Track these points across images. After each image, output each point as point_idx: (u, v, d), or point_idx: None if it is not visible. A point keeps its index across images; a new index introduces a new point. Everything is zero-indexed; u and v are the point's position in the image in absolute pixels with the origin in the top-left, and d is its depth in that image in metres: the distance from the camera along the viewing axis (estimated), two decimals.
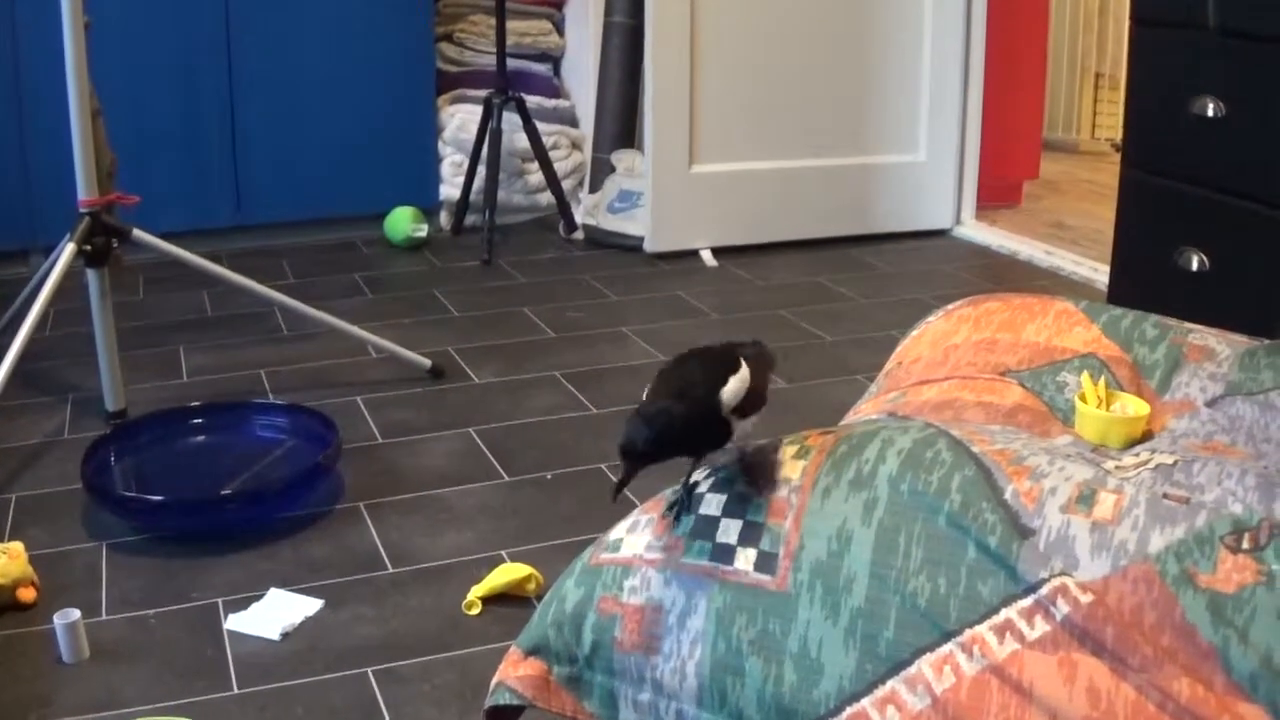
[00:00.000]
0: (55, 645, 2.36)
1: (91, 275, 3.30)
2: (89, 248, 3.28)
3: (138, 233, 3.39)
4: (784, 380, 3.55)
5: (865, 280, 4.52)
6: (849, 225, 5.07)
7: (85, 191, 3.29)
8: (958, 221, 5.22)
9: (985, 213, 5.31)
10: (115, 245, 3.35)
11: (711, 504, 1.70)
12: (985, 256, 4.85)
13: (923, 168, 5.11)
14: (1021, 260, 4.79)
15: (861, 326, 4.02)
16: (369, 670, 2.29)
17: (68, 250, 3.28)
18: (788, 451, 1.74)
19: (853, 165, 5.02)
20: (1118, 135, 6.73)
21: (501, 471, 3.05)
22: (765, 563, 1.61)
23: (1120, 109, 6.62)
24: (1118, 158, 6.09)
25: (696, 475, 1.76)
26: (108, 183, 3.44)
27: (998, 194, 5.48)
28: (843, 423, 2.04)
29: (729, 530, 1.66)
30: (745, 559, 1.63)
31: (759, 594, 1.60)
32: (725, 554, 1.64)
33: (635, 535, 1.74)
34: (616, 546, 1.74)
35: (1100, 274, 4.41)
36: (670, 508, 1.74)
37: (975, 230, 5.16)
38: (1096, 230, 5.10)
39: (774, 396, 3.30)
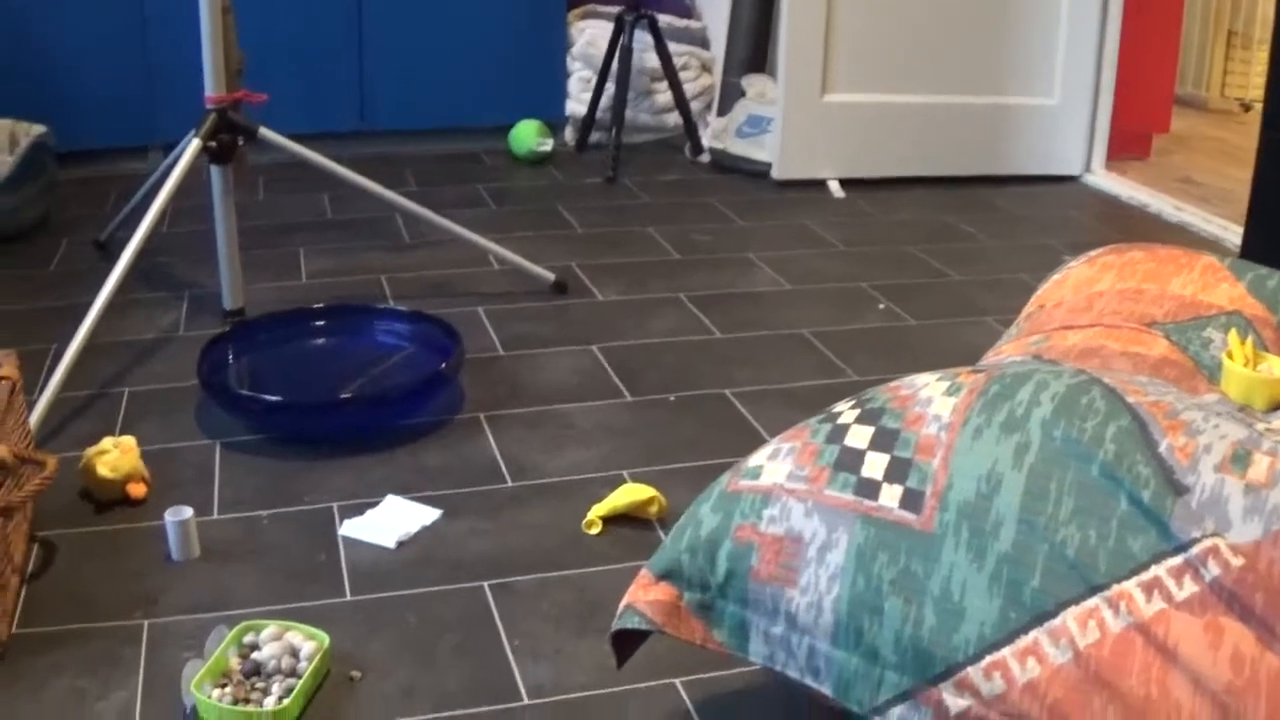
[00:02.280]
0: (164, 542, 2.35)
1: (215, 172, 3.28)
2: (214, 144, 3.26)
3: (264, 131, 3.35)
4: (912, 317, 3.48)
5: (993, 221, 4.44)
6: (978, 165, 4.98)
7: (213, 88, 3.26)
8: (1087, 169, 5.11)
9: (1114, 163, 5.21)
10: (240, 143, 3.32)
11: (858, 436, 1.64)
12: (1114, 207, 4.75)
13: (1056, 111, 5.00)
14: (1151, 213, 4.69)
15: (989, 268, 3.94)
16: (485, 584, 2.25)
17: (192, 146, 3.26)
18: (937, 387, 1.67)
19: (985, 105, 4.93)
20: (1247, 95, 6.63)
21: (624, 391, 3.01)
22: (911, 500, 1.56)
23: (1250, 69, 6.52)
24: (1246, 117, 6.00)
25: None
26: (235, 80, 3.40)
27: (1127, 145, 5.37)
28: (977, 364, 1.98)
29: (875, 464, 1.60)
30: (890, 495, 1.57)
31: (903, 532, 1.54)
32: (870, 489, 1.58)
33: (776, 463, 1.67)
34: (756, 474, 1.68)
35: (1229, 233, 4.31)
36: None
37: (1105, 179, 5.06)
38: (1225, 189, 4.99)
39: (901, 334, 3.26)
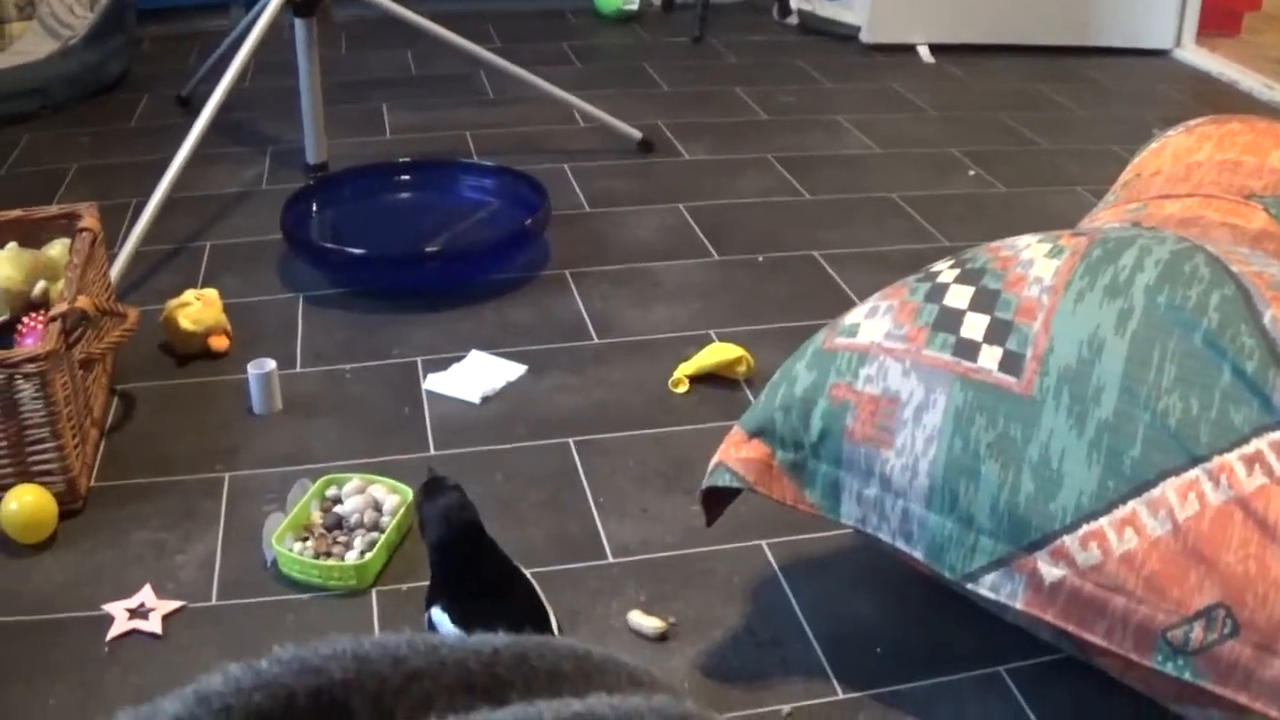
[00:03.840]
0: (246, 396, 2.35)
1: (299, 25, 3.24)
2: None
3: None
4: (1002, 184, 3.42)
5: (1083, 92, 4.36)
6: (1069, 35, 4.88)
7: None
8: (1178, 44, 5.01)
9: (1203, 39, 5.10)
10: None
11: (958, 296, 1.60)
12: (1205, 82, 4.65)
13: None
14: (1241, 90, 4.59)
15: (1079, 138, 3.87)
16: (570, 440, 2.24)
17: None
18: (1039, 249, 1.63)
19: None
20: None
21: (711, 250, 2.97)
22: (1011, 363, 1.52)
23: None
24: None
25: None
26: None
27: (1217, 21, 5.24)
28: (1088, 226, 1.93)
29: (975, 325, 1.56)
30: (990, 357, 1.53)
31: (1002, 395, 1.50)
32: (969, 350, 1.54)
33: (873, 321, 1.64)
34: (853, 331, 1.64)
35: None
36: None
37: (1195, 54, 4.95)
38: None
39: (991, 201, 3.21)
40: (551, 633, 1.58)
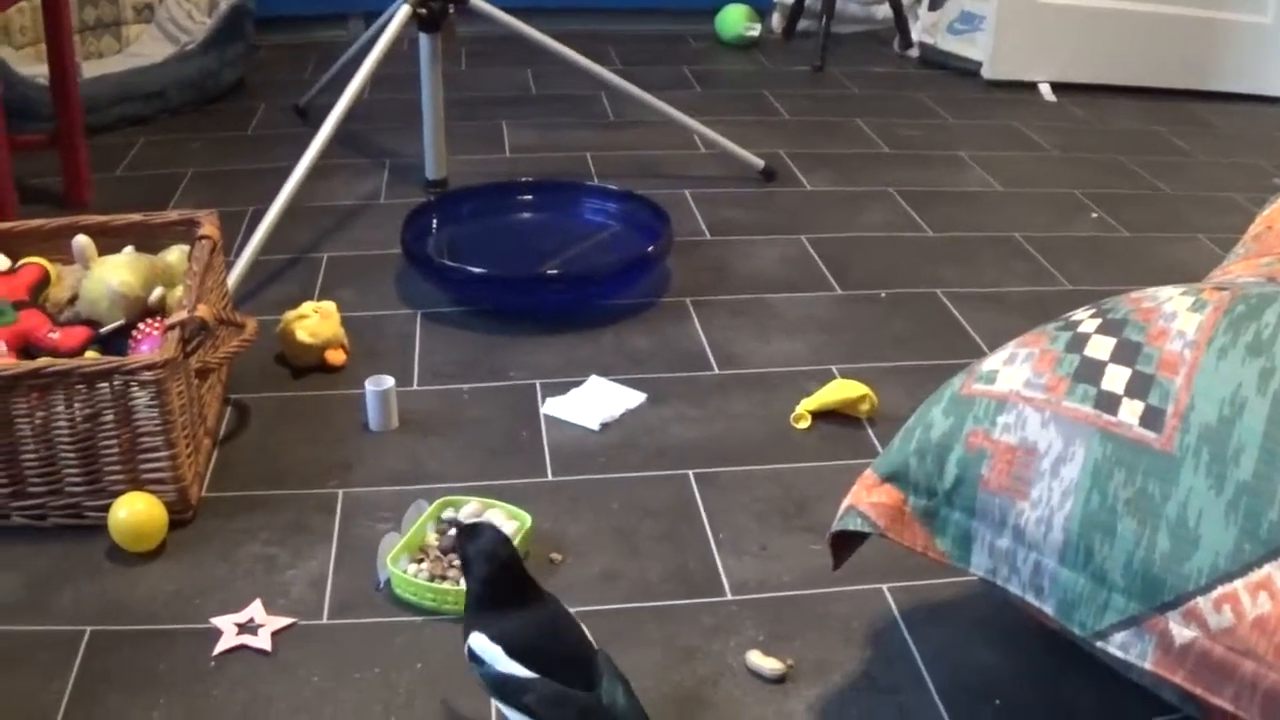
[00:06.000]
0: (362, 410, 2.34)
1: (423, 40, 3.25)
2: (424, 11, 3.22)
3: (475, 0, 3.31)
4: (1124, 229, 3.37)
5: (1204, 137, 4.30)
6: (1189, 79, 4.83)
7: None
8: None
9: None
10: (450, 11, 3.28)
11: (1099, 347, 1.57)
12: None
13: (1270, 31, 4.83)
14: None
15: (1200, 184, 3.81)
16: (689, 473, 2.21)
17: (402, 11, 3.22)
18: (1182, 302, 1.60)
19: (1200, 18, 4.77)
20: None
21: (834, 283, 2.94)
22: (1152, 418, 1.48)
23: None
24: None
25: None
26: None
27: None
28: (1213, 281, 1.90)
29: (1116, 377, 1.53)
30: (1131, 411, 1.49)
31: (1141, 451, 1.47)
32: (1110, 403, 1.51)
33: (1012, 368, 1.61)
34: (991, 378, 1.61)
35: None
36: None
37: None
38: None
39: (1113, 245, 3.17)
40: (593, 650, 1.55)
